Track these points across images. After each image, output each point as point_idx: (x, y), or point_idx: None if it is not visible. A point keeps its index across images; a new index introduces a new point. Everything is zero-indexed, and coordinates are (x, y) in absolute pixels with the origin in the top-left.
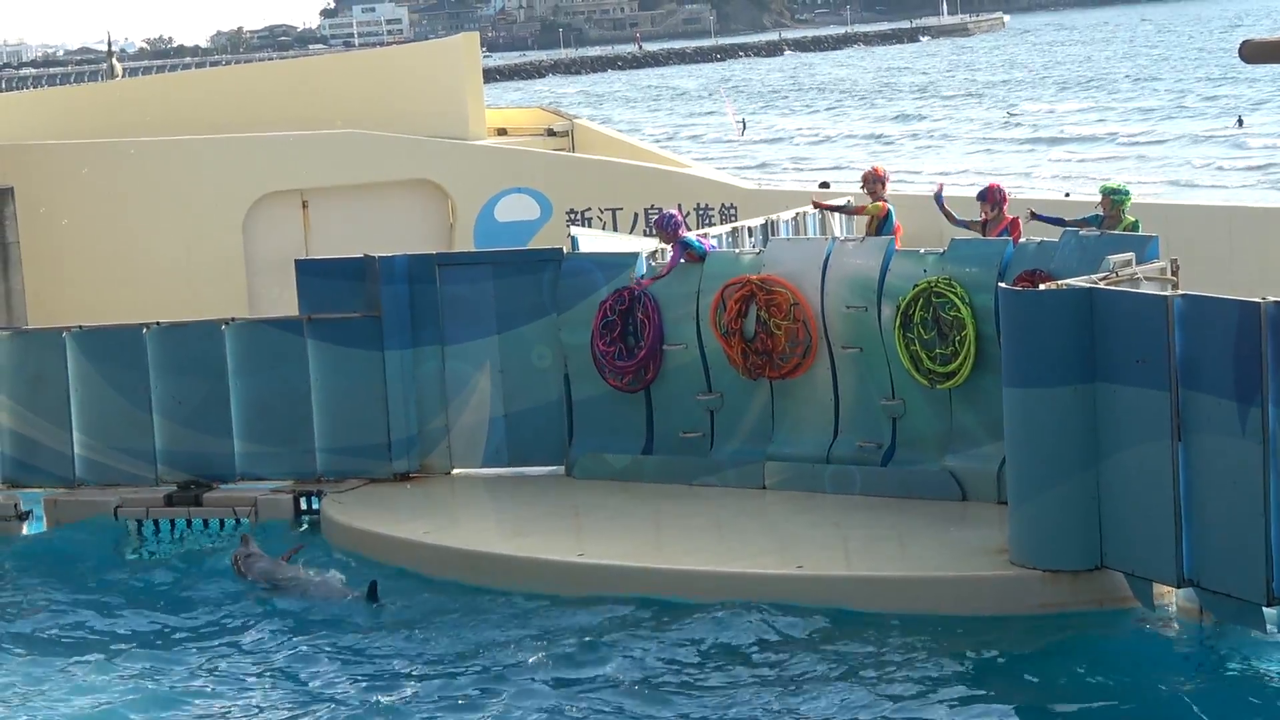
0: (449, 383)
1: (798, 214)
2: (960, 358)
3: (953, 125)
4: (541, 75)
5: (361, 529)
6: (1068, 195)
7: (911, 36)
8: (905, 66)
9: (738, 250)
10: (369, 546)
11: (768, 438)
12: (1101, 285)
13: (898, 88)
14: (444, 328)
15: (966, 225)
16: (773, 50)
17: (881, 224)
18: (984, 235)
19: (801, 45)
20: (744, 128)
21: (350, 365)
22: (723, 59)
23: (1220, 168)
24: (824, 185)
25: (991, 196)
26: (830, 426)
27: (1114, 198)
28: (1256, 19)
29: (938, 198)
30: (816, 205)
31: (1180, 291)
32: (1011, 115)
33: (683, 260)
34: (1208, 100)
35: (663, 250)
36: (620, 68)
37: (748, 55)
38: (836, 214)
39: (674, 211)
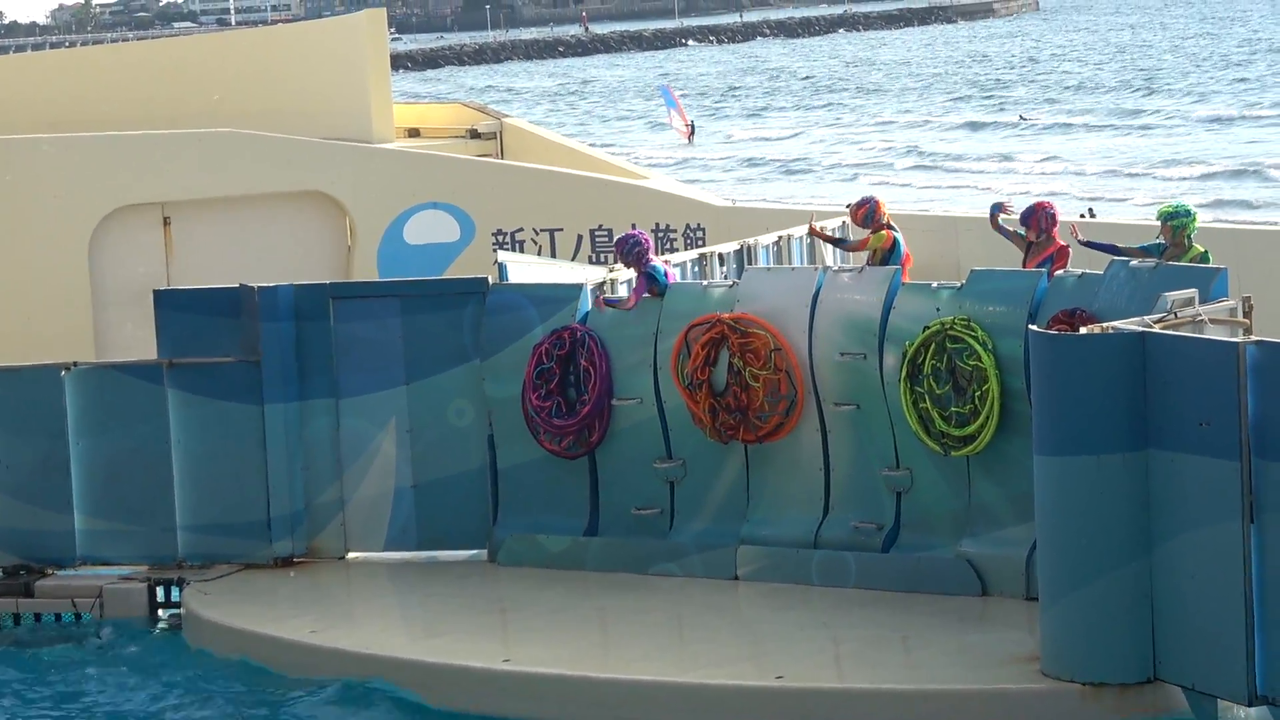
0: (345, 445)
1: (780, 238)
2: (981, 418)
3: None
4: (464, 63)
5: (232, 626)
6: (1091, 214)
7: (922, 19)
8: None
9: (706, 282)
10: (242, 647)
11: (741, 516)
12: (1156, 329)
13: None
14: (339, 376)
15: (1013, 240)
16: (749, 34)
17: (887, 256)
18: (1024, 265)
19: (786, 29)
20: (692, 131)
21: (221, 422)
22: (686, 43)
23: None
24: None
25: (1037, 219)
26: (819, 502)
27: (1173, 222)
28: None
29: (995, 209)
30: (813, 232)
31: (1254, 337)
32: (1024, 119)
33: (646, 294)
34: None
35: (613, 282)
36: (562, 54)
37: (720, 40)
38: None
39: (638, 232)
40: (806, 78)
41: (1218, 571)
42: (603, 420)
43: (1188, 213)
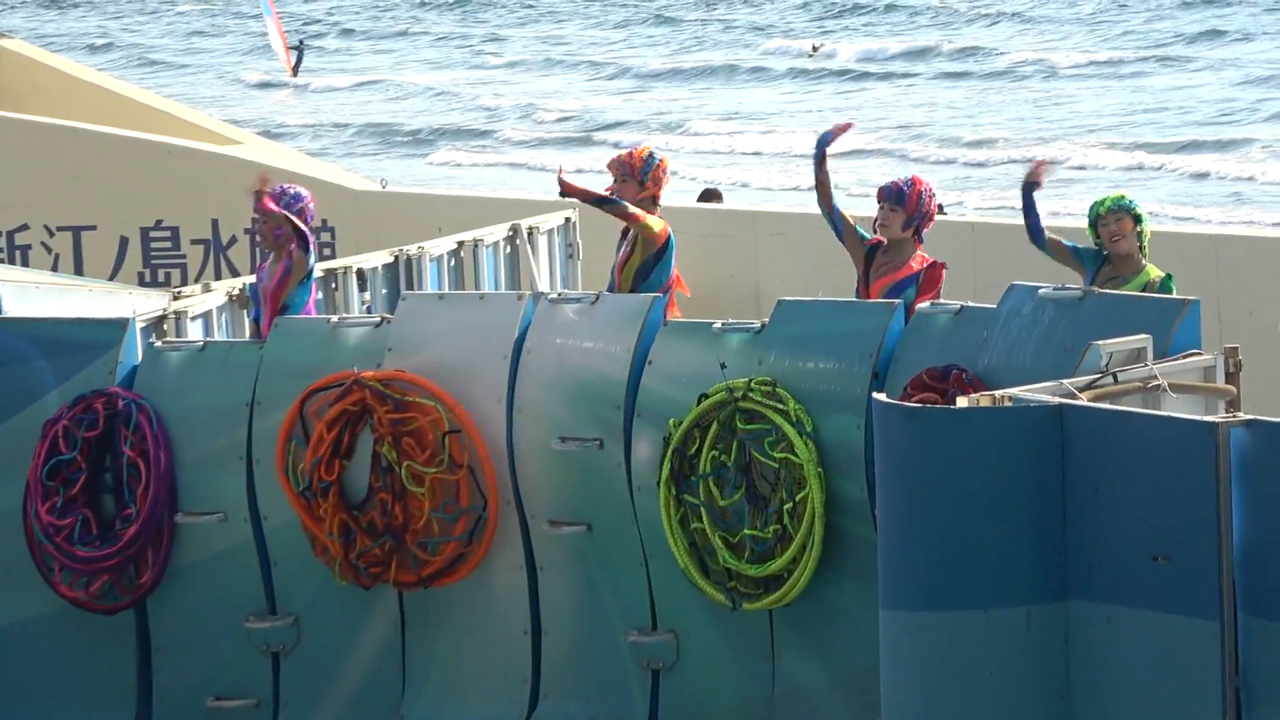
0: None
1: (461, 244)
2: (793, 547)
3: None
4: None
5: None
6: (941, 210)
7: None
8: None
9: (335, 317)
10: None
11: (393, 710)
12: (1083, 399)
13: None
14: None
15: (841, 230)
16: None
17: (654, 260)
18: (865, 286)
19: None
20: (299, 59)
21: None
22: None
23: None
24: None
25: (914, 199)
26: (523, 687)
27: (1136, 211)
28: None
29: (823, 143)
30: (565, 187)
31: (1241, 415)
32: (816, 49)
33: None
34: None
35: (181, 314)
36: None
37: None
38: (541, 247)
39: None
40: None
41: None
42: (160, 549)
43: (1131, 207)
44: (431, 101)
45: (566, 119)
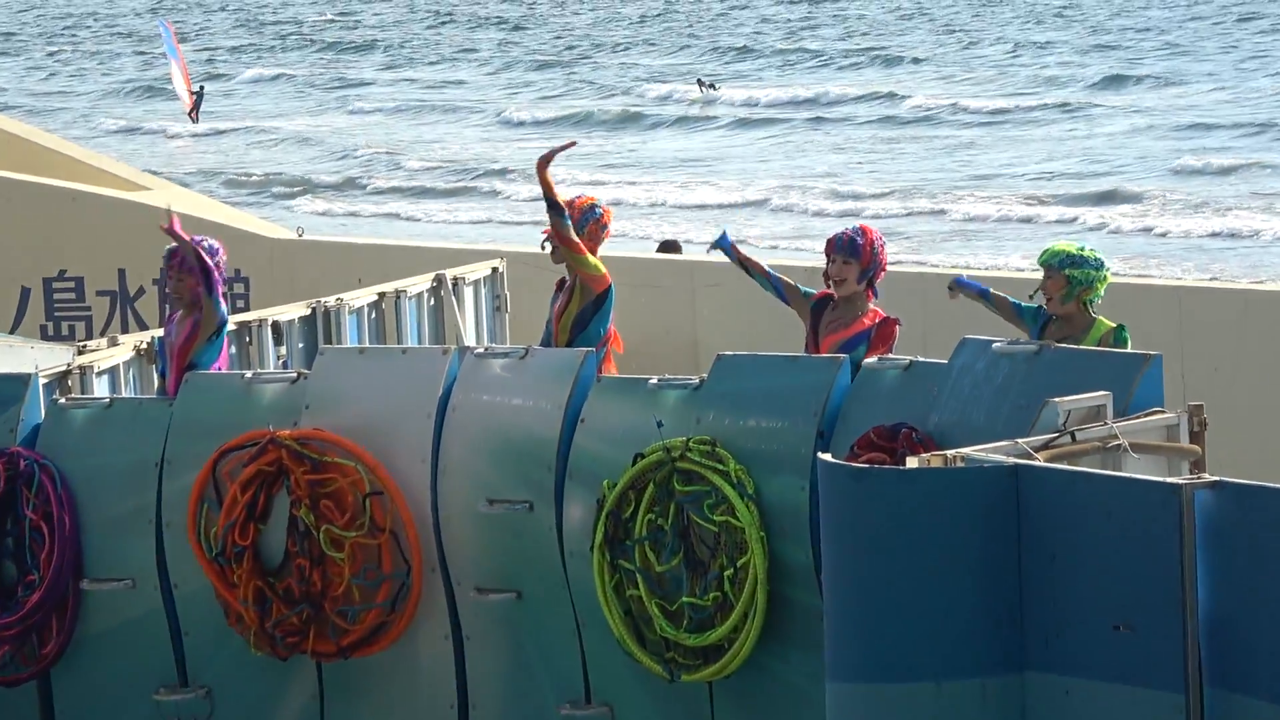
0: None
1: (382, 295)
2: (734, 615)
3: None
4: None
5: None
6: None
7: None
8: None
9: (249, 372)
10: None
11: None
12: (1039, 459)
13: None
14: None
15: (784, 294)
16: None
17: (592, 309)
18: (814, 343)
19: None
20: (198, 102)
21: None
22: None
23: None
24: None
25: (868, 251)
26: None
27: (1068, 271)
28: None
29: (723, 247)
30: (541, 167)
31: (1207, 477)
32: (708, 89)
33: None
34: None
35: (85, 369)
36: None
37: None
38: (467, 299)
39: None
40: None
41: None
42: (65, 617)
43: (1097, 264)
44: (300, 149)
45: (438, 168)
